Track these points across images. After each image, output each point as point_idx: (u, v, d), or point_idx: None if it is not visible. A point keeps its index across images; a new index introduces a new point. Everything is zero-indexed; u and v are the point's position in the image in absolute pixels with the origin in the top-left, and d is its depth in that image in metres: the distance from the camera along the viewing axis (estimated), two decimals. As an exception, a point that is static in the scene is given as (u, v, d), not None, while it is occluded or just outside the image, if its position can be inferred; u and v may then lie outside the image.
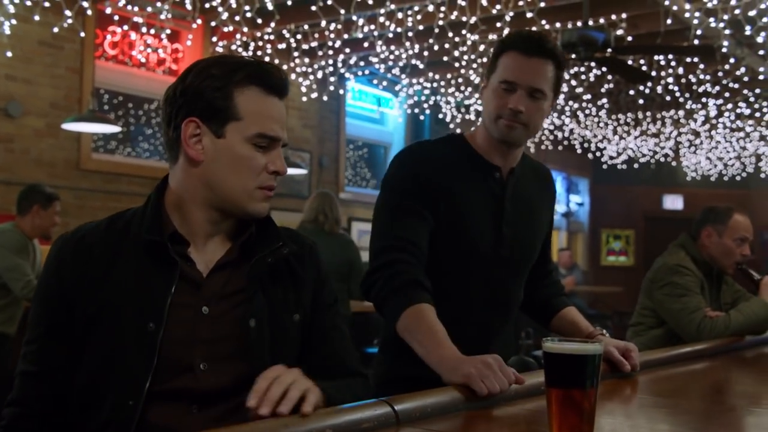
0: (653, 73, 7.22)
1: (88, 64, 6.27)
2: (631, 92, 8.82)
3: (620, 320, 9.75)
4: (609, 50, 5.21)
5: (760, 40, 6.10)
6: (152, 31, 6.38)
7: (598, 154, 12.28)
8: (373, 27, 6.44)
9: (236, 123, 1.35)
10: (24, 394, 1.35)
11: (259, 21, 6.34)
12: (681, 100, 8.79)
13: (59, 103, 6.08)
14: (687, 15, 5.89)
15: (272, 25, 6.29)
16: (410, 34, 6.43)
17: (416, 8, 6.18)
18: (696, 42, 6.21)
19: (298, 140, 8.00)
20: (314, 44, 7.14)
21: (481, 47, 6.83)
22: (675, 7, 5.76)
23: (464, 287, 1.86)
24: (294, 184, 7.84)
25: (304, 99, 7.94)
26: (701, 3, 5.68)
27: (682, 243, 3.07)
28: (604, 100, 9.29)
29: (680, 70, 7.49)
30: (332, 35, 6.69)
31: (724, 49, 6.37)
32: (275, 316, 1.40)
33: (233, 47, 7.07)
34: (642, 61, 7.22)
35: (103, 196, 6.27)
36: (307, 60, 7.55)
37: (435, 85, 8.66)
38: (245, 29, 6.43)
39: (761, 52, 6.86)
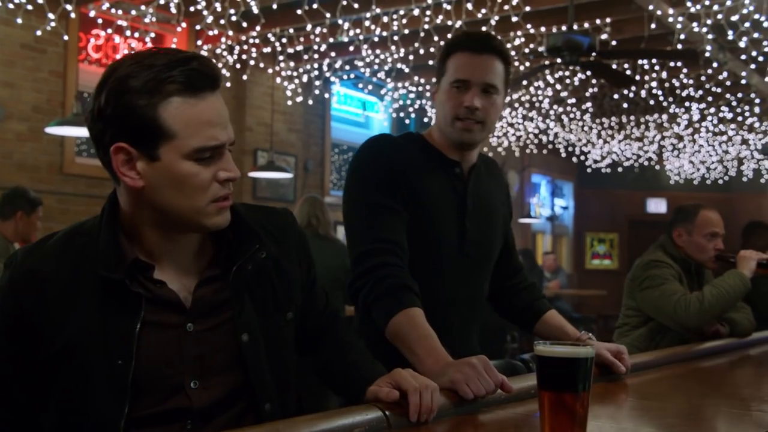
0: (637, 78, 7.26)
1: (71, 67, 6.22)
2: (615, 96, 8.87)
3: (605, 323, 9.79)
4: (594, 54, 5.24)
5: (742, 44, 6.15)
6: (136, 35, 6.34)
7: (582, 157, 12.34)
8: (358, 31, 6.43)
9: (170, 142, 1.19)
10: None
11: (245, 24, 6.31)
12: (664, 104, 8.85)
13: (42, 107, 6.02)
14: (670, 20, 5.93)
15: (257, 28, 6.27)
16: (396, 37, 6.42)
17: (402, 12, 6.18)
18: (679, 46, 6.26)
19: (284, 144, 7.97)
20: (299, 48, 7.13)
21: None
22: (659, 12, 5.79)
23: (428, 284, 1.83)
24: (279, 188, 7.82)
25: (289, 103, 7.91)
26: (684, 8, 5.72)
27: (661, 243, 3.11)
28: (589, 104, 9.33)
29: (664, 75, 7.54)
30: (317, 39, 6.68)
31: (706, 54, 6.42)
32: (267, 321, 1.34)
33: (218, 50, 7.04)
34: (626, 66, 7.26)
35: (86, 201, 6.22)
36: (292, 64, 7.53)
37: (420, 88, 8.66)
38: (230, 33, 6.40)
39: (743, 57, 6.92)
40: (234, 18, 6.02)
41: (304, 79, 7.77)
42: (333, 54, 7.34)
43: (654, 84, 7.92)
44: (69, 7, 5.31)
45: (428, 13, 5.98)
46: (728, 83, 7.89)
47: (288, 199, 7.84)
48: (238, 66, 7.32)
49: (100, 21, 6.14)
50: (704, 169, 12.51)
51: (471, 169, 1.93)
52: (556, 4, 5.93)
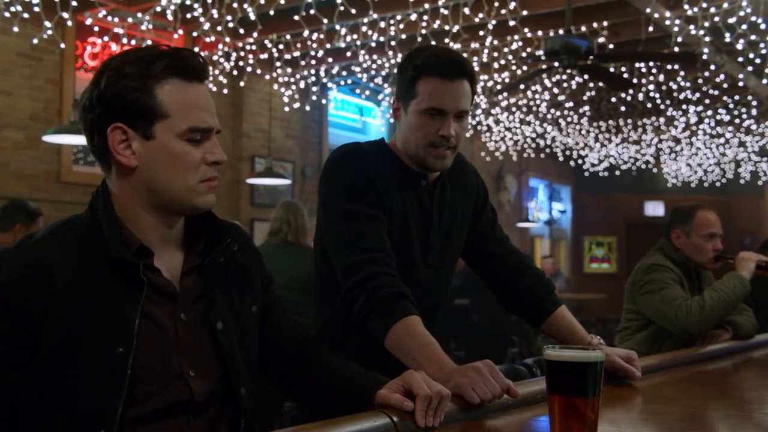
0: (634, 81, 7.27)
1: (68, 75, 6.21)
2: (613, 100, 8.88)
3: (604, 327, 9.77)
4: (591, 57, 5.24)
5: (739, 47, 6.16)
6: (133, 42, 6.33)
7: (579, 161, 12.35)
8: (355, 36, 6.43)
9: (164, 121, 1.29)
10: None
11: (241, 31, 6.31)
12: (662, 107, 8.86)
13: (39, 115, 6.01)
14: (668, 22, 5.94)
15: (254, 35, 6.27)
16: (393, 43, 6.42)
17: (399, 17, 6.18)
18: (676, 49, 6.26)
19: (281, 150, 7.96)
20: (296, 54, 7.12)
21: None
22: (656, 15, 5.80)
23: None
24: (278, 195, 7.79)
25: (287, 109, 7.91)
26: (681, 10, 5.72)
27: (661, 246, 3.10)
28: (586, 108, 9.34)
29: (661, 78, 7.55)
30: (315, 45, 6.68)
31: (704, 56, 6.42)
32: (237, 313, 1.41)
33: (215, 57, 7.03)
34: (623, 69, 7.27)
35: (84, 209, 6.19)
36: (289, 70, 7.53)
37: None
38: (227, 39, 6.40)
39: (740, 59, 6.93)
40: (231, 24, 6.02)
41: (302, 85, 7.76)
42: (330, 60, 7.34)
43: (651, 87, 7.93)
44: (65, 15, 5.30)
45: (425, 18, 5.98)
46: (725, 85, 7.90)
47: (286, 206, 7.83)
48: (235, 73, 7.31)
49: (96, 29, 6.12)
50: (701, 172, 12.52)
51: (436, 181, 1.91)
52: (553, 8, 5.93)
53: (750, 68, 7.19)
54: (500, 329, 6.49)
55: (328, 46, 6.75)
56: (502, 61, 7.10)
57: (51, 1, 5.21)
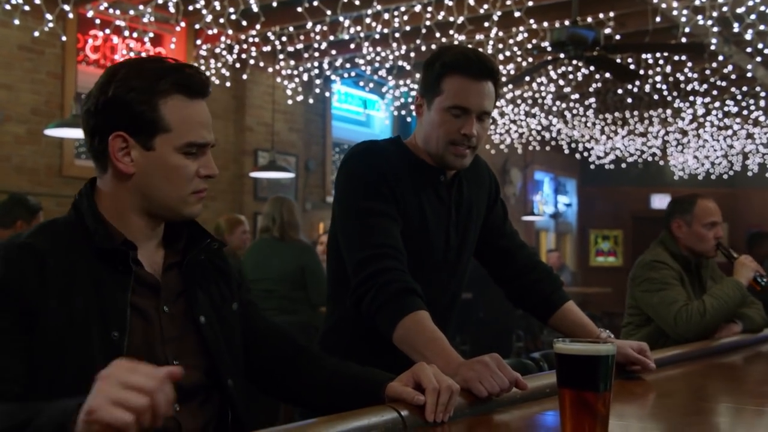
0: (641, 72, 7.21)
1: (69, 68, 6.18)
2: (619, 91, 8.83)
3: (610, 321, 9.73)
4: (598, 48, 5.19)
5: (747, 37, 6.10)
6: (135, 35, 6.31)
7: (585, 154, 12.31)
8: (359, 28, 6.39)
9: (165, 134, 1.36)
10: None
11: (244, 23, 6.27)
12: (669, 98, 8.81)
13: (40, 109, 5.99)
14: (675, 13, 5.88)
15: (257, 27, 6.23)
16: (397, 34, 6.38)
17: (403, 9, 6.14)
18: (684, 40, 6.20)
19: (284, 144, 7.93)
20: (299, 46, 7.08)
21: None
22: (663, 5, 5.74)
23: None
24: (281, 188, 7.76)
25: (290, 102, 7.87)
26: (689, 1, 5.67)
27: (662, 239, 3.09)
28: (592, 100, 9.29)
29: (668, 69, 7.50)
30: (318, 37, 6.64)
31: (712, 47, 6.36)
32: (218, 309, 1.47)
33: (217, 50, 7.00)
34: (630, 60, 7.21)
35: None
36: (292, 62, 7.49)
37: (422, 86, 8.61)
38: (230, 32, 6.37)
39: (749, 50, 6.86)
40: (233, 17, 5.99)
41: (305, 77, 7.74)
42: (333, 52, 7.30)
43: (658, 78, 7.88)
44: (67, 8, 5.27)
45: (430, 9, 5.94)
46: (733, 77, 7.84)
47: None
48: (237, 65, 7.28)
49: (98, 21, 6.10)
50: (709, 164, 12.47)
51: (453, 177, 1.93)
52: (558, -1, 5.89)
53: (758, 59, 7.14)
54: (506, 324, 6.48)
55: (331, 38, 6.71)
56: (508, 53, 7.06)
57: (52, -7, 5.19)
